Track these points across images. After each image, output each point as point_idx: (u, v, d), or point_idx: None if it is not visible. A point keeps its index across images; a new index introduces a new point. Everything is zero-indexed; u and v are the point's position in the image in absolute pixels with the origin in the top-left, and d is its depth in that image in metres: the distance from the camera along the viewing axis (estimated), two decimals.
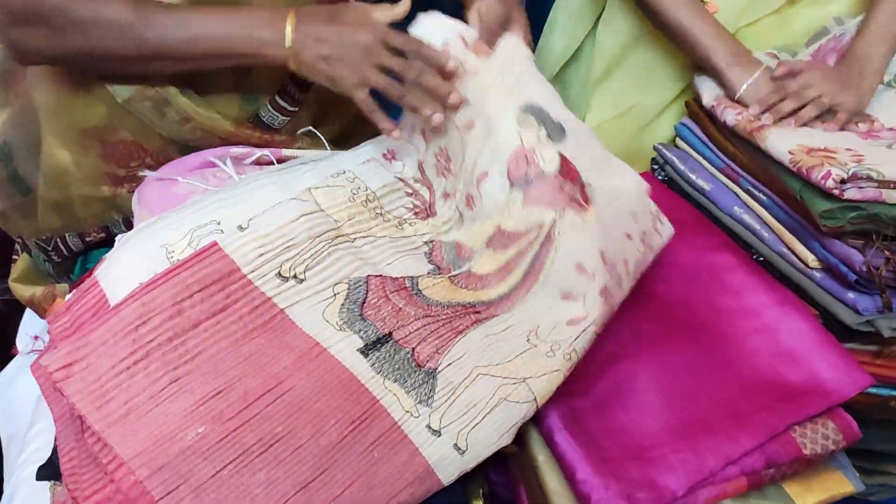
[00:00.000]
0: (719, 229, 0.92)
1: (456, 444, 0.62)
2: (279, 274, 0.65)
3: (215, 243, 0.65)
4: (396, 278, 0.70)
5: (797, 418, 0.67)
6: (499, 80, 0.76)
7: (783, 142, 0.84)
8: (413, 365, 0.64)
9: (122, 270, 0.64)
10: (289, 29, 0.74)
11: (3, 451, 0.92)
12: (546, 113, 0.74)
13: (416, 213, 0.78)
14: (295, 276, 0.66)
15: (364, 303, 0.67)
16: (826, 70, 0.92)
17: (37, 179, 0.82)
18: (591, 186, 0.73)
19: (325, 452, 0.58)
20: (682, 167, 1.00)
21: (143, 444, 0.55)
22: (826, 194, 0.77)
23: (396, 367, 0.64)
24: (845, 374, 0.71)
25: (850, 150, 0.81)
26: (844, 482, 0.69)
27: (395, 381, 0.63)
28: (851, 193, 0.75)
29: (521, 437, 0.70)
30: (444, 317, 0.68)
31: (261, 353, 0.61)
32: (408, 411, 0.62)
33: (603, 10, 1.14)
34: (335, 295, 0.66)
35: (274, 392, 0.60)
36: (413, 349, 0.65)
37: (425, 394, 0.63)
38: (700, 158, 1.00)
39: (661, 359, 0.75)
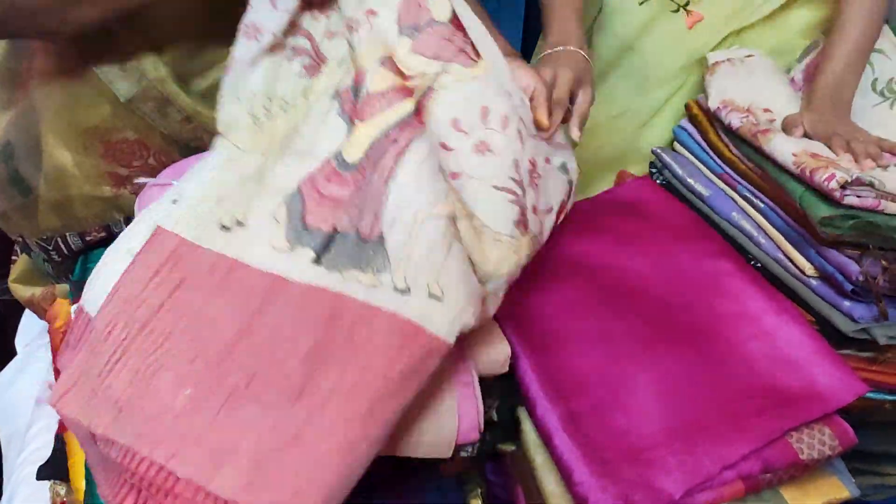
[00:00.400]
0: (718, 235, 0.93)
1: (430, 293, 0.60)
2: (222, 227, 0.65)
3: (158, 227, 0.65)
4: (323, 163, 0.67)
5: (794, 424, 0.68)
6: None
7: (788, 145, 0.84)
8: (361, 243, 0.63)
9: (98, 289, 0.64)
10: None
11: (3, 451, 0.92)
12: None
13: (308, 71, 0.72)
14: (238, 223, 0.65)
15: (304, 213, 0.65)
16: (815, 116, 0.91)
17: (38, 180, 0.83)
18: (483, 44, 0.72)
19: (307, 359, 0.58)
20: (680, 172, 1.01)
21: (140, 428, 0.55)
22: (826, 200, 0.77)
23: (348, 254, 0.63)
24: (841, 382, 0.71)
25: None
26: (840, 487, 0.70)
27: (353, 268, 0.62)
28: (850, 200, 0.76)
29: (518, 438, 0.70)
30: (368, 173, 0.65)
31: (228, 308, 0.61)
32: (371, 286, 0.61)
33: (598, 14, 1.16)
34: (277, 221, 0.65)
35: (247, 336, 0.60)
36: (357, 229, 0.63)
37: (381, 262, 0.62)
38: (698, 163, 1.01)
39: (659, 362, 0.75)
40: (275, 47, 0.71)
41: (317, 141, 0.68)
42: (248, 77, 0.71)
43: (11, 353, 1.02)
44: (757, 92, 0.99)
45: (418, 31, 0.70)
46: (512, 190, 0.69)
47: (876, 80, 0.97)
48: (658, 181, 1.06)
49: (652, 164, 1.08)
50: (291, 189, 0.66)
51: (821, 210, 0.78)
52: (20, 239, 0.89)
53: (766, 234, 0.89)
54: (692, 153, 1.03)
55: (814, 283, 0.83)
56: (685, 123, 1.06)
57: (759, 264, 0.89)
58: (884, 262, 0.76)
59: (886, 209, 0.76)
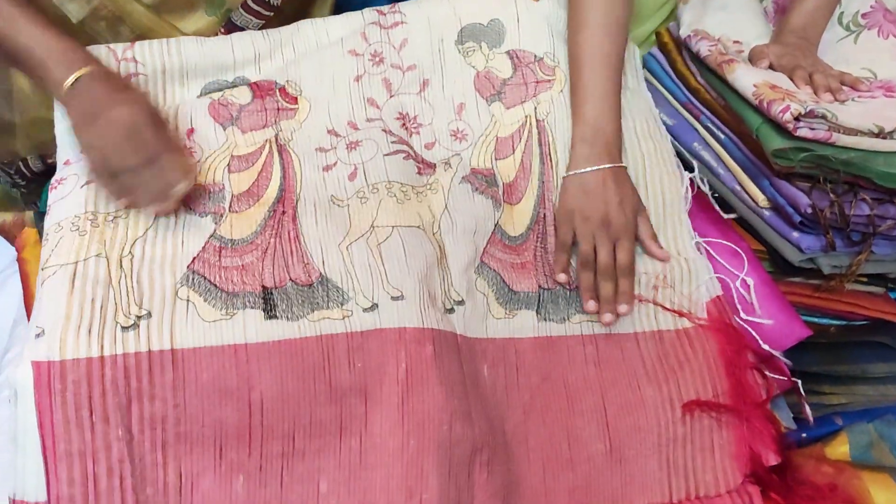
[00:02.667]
0: None
1: (391, 297, 0.69)
2: (124, 328, 0.64)
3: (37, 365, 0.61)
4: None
5: None
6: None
7: (749, 76, 0.84)
8: (307, 289, 0.69)
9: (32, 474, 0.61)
10: (70, 80, 0.69)
11: None
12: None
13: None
14: (138, 317, 0.65)
15: (216, 286, 0.68)
16: (781, 49, 0.89)
17: None
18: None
19: (329, 401, 0.65)
20: None
21: None
22: (781, 132, 0.78)
23: (299, 302, 0.68)
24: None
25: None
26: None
27: (312, 311, 0.67)
28: (803, 132, 0.77)
29: None
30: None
31: (206, 402, 0.63)
32: (344, 317, 0.67)
33: None
34: (189, 301, 0.67)
35: (252, 408, 0.64)
36: (294, 280, 0.69)
37: (337, 295, 0.69)
38: (665, 92, 1.01)
39: None
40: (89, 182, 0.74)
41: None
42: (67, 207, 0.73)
43: None
44: (729, 23, 0.98)
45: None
46: None
47: (842, 13, 0.96)
48: None
49: None
50: (182, 268, 0.70)
51: (775, 142, 0.79)
52: None
53: (725, 165, 0.90)
54: (660, 81, 1.02)
55: (766, 213, 0.84)
56: (655, 51, 1.05)
57: (717, 195, 0.91)
58: (832, 195, 0.78)
59: (837, 141, 0.77)
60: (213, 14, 0.84)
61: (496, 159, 0.84)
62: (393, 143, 0.82)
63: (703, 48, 0.92)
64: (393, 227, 0.75)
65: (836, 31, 0.96)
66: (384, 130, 0.83)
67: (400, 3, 0.87)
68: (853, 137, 0.76)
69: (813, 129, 0.77)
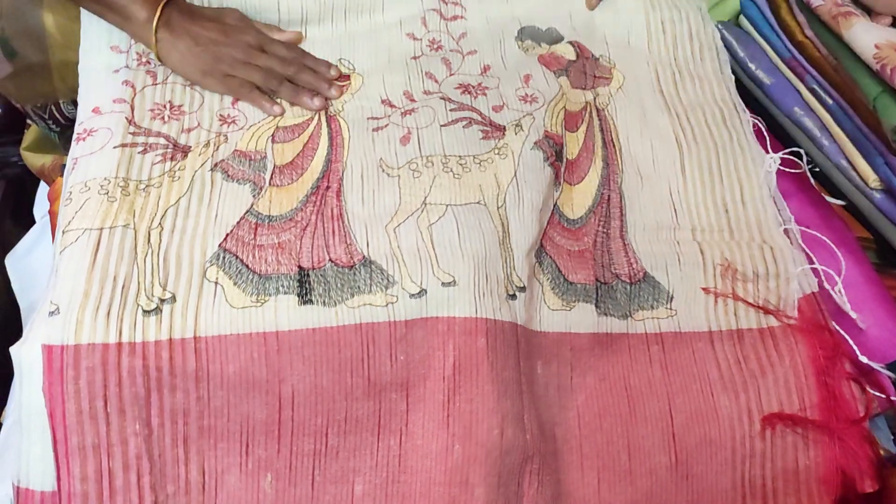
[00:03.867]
0: None
1: (442, 283, 0.62)
2: (146, 312, 0.58)
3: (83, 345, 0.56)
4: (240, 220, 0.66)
5: None
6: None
7: (871, 34, 0.72)
8: (347, 271, 0.62)
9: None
10: (155, 25, 0.72)
11: (23, 320, 0.94)
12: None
13: (166, 157, 0.70)
14: (161, 300, 0.59)
15: (248, 267, 0.62)
16: None
17: (22, 42, 0.79)
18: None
19: (367, 395, 0.60)
20: (741, 54, 0.89)
21: None
22: None
23: (338, 286, 0.62)
24: None
25: None
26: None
27: (352, 296, 0.61)
28: None
29: None
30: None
31: (232, 395, 0.58)
32: (388, 304, 0.61)
33: None
34: (217, 284, 0.61)
35: (282, 402, 0.58)
36: (334, 261, 0.63)
37: (381, 278, 0.62)
38: (763, 44, 0.88)
39: None
40: (124, 145, 0.69)
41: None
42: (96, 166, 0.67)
43: (32, 221, 1.01)
44: None
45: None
46: None
47: None
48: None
49: None
50: (218, 250, 0.65)
51: (895, 116, 0.67)
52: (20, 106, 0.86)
53: (831, 135, 0.78)
54: (758, 30, 0.90)
55: (876, 196, 0.73)
56: None
57: (817, 169, 0.80)
58: None
59: None
60: None
61: (566, 130, 0.77)
62: (452, 110, 0.76)
63: None
64: (447, 205, 0.68)
65: None
66: (443, 98, 0.77)
67: None
68: None
69: None
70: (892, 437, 0.68)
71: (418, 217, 0.67)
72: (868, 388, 0.63)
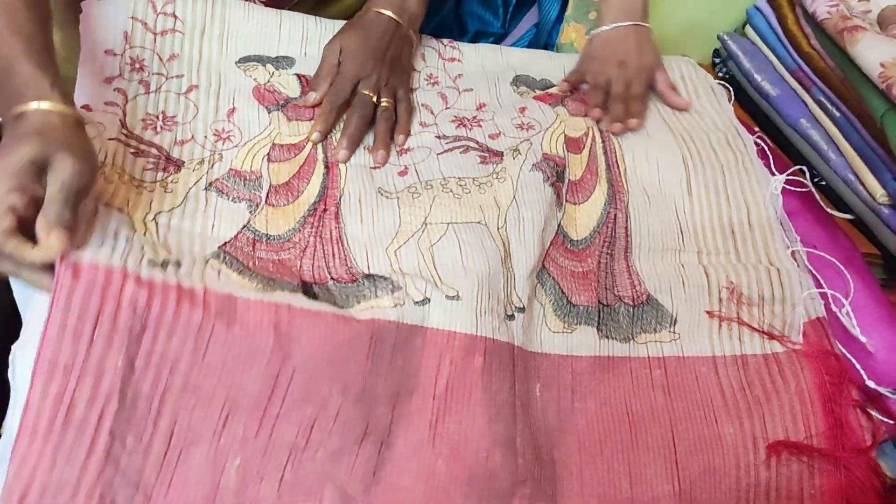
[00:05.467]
0: None
1: (446, 295, 0.61)
2: (151, 262, 0.56)
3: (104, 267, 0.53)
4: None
5: None
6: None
7: (876, 50, 0.70)
8: (351, 285, 0.63)
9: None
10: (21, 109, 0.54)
11: (23, 319, 0.94)
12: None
13: (157, 167, 0.67)
14: (165, 261, 0.57)
15: (250, 269, 0.62)
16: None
17: None
18: None
19: (360, 398, 0.57)
20: (747, 65, 0.87)
21: None
22: None
23: (344, 297, 0.62)
24: None
25: None
26: None
27: (359, 302, 0.61)
28: None
29: None
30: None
31: (230, 357, 0.55)
32: (396, 305, 0.61)
33: None
34: (221, 273, 0.59)
35: (279, 379, 0.56)
36: (335, 279, 0.63)
37: (387, 284, 0.62)
38: (770, 54, 0.87)
39: None
40: (118, 140, 0.67)
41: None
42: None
43: None
44: None
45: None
46: None
47: None
48: (720, 73, 0.92)
49: (716, 53, 0.94)
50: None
51: None
52: None
53: (838, 148, 0.77)
54: (764, 41, 0.88)
55: (884, 211, 0.72)
56: (762, 4, 0.90)
57: (823, 182, 0.78)
58: None
59: None
60: None
61: (567, 150, 0.77)
62: (448, 143, 0.76)
63: (821, 8, 0.78)
64: (448, 223, 0.67)
65: None
66: (437, 136, 0.77)
67: (458, 42, 0.89)
68: None
69: None
70: None
71: (419, 238, 0.66)
72: (876, 414, 0.62)
